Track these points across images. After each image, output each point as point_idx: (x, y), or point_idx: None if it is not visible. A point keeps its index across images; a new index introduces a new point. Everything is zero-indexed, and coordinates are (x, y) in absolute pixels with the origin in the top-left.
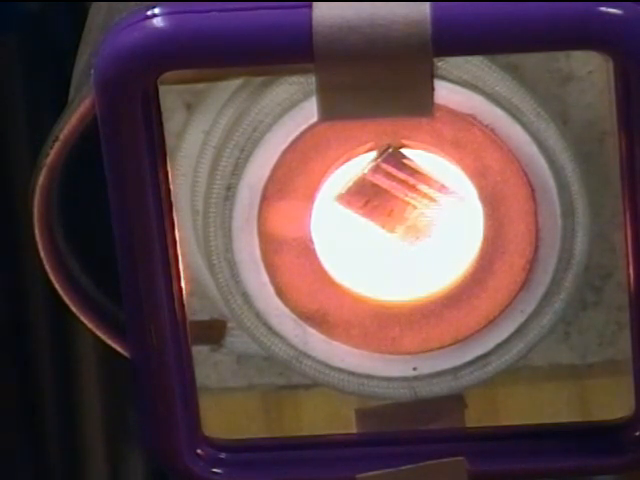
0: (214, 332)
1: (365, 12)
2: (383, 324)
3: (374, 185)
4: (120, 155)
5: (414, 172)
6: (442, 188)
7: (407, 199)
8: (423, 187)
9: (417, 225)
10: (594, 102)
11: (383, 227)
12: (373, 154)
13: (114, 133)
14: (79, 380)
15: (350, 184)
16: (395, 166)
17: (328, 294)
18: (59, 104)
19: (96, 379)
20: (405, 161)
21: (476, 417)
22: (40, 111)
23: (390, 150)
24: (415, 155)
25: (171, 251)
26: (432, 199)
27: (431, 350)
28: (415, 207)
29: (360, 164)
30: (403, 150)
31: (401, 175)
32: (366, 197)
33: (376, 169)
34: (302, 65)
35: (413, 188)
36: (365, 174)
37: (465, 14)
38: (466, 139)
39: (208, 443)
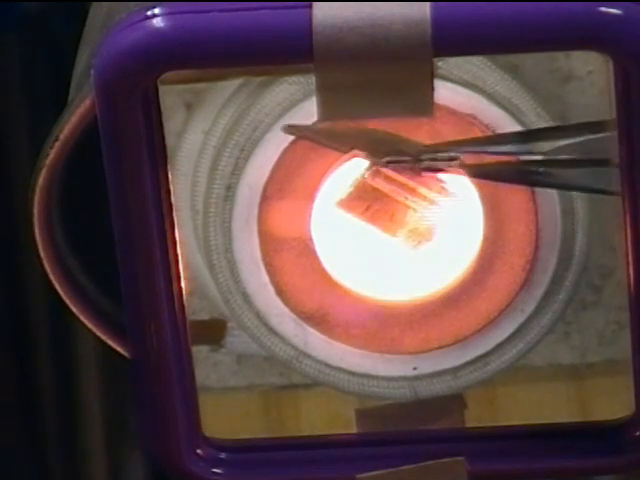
0: (214, 332)
1: (365, 12)
2: (383, 324)
3: (374, 189)
4: (120, 155)
5: (413, 174)
6: (442, 189)
7: (408, 202)
8: (423, 189)
9: (419, 229)
10: (594, 102)
11: (385, 231)
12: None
13: (114, 133)
14: (79, 380)
15: (350, 189)
16: (394, 169)
17: (328, 294)
18: (59, 104)
19: (96, 379)
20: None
21: (476, 417)
22: (40, 111)
23: None
24: None
25: (171, 251)
26: (432, 201)
27: (431, 350)
28: (416, 210)
29: (359, 167)
30: None
31: (401, 178)
32: (367, 202)
33: (375, 173)
34: (302, 65)
35: (413, 191)
36: (365, 178)
37: (465, 14)
38: None
39: (208, 443)
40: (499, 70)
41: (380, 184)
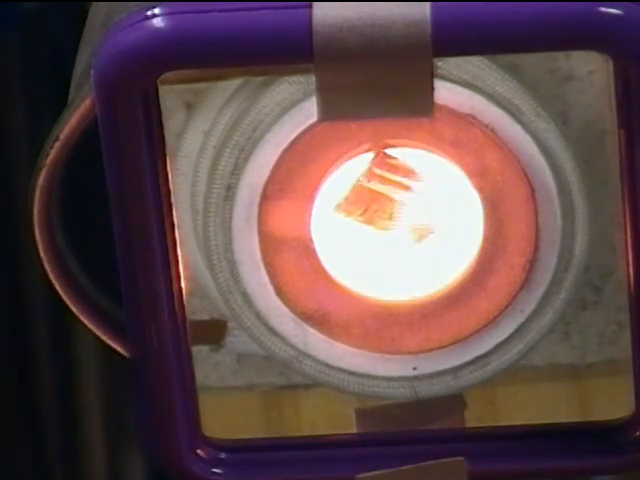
0: (214, 332)
1: (365, 12)
2: (383, 324)
3: (371, 191)
4: (120, 155)
5: (408, 172)
6: (437, 185)
7: (405, 201)
8: (419, 186)
9: (417, 225)
10: (594, 102)
11: (385, 231)
12: (369, 157)
13: (114, 133)
14: (79, 380)
15: (347, 193)
16: (389, 170)
17: (328, 294)
18: (59, 104)
19: (96, 379)
20: (397, 162)
21: (476, 417)
22: (40, 111)
23: (381, 154)
24: (414, 155)
25: (171, 251)
26: (429, 199)
27: (431, 350)
28: (414, 208)
29: (355, 172)
30: (392, 150)
31: (395, 178)
32: (364, 204)
33: (370, 175)
34: (302, 65)
35: (409, 189)
36: (360, 181)
37: (465, 14)
38: (466, 139)
39: (208, 443)
40: (499, 70)
41: (376, 185)
